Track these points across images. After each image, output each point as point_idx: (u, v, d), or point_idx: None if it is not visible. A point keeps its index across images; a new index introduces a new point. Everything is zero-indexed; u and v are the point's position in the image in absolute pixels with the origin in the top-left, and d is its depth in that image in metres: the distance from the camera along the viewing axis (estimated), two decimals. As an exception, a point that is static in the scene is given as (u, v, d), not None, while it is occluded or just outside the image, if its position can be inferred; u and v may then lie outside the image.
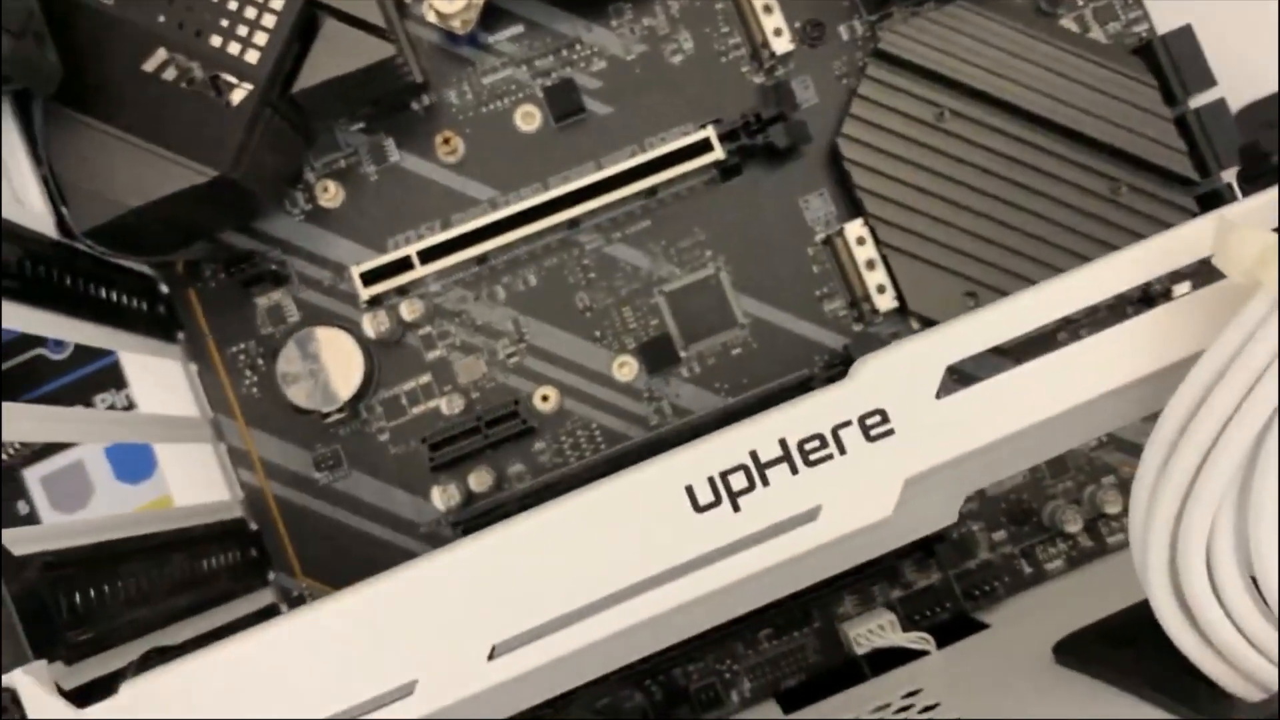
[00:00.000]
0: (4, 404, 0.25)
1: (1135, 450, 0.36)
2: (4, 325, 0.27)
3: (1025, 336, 0.21)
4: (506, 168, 0.36)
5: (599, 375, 0.36)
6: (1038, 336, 0.21)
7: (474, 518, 0.34)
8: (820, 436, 0.21)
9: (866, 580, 0.36)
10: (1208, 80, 0.36)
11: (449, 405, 0.36)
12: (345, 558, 0.35)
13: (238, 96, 0.31)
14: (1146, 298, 0.33)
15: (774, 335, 0.36)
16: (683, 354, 0.36)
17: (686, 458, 0.21)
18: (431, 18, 0.35)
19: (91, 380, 0.39)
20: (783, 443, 0.21)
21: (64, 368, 0.39)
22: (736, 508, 0.21)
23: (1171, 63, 0.36)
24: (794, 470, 0.21)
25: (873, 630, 0.34)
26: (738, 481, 0.21)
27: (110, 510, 0.38)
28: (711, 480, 0.21)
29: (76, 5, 0.31)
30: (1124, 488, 0.36)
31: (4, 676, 0.21)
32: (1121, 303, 0.24)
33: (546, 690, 0.22)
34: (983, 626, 0.34)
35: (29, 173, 0.31)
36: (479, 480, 0.35)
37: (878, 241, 0.35)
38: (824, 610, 0.36)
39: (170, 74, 0.31)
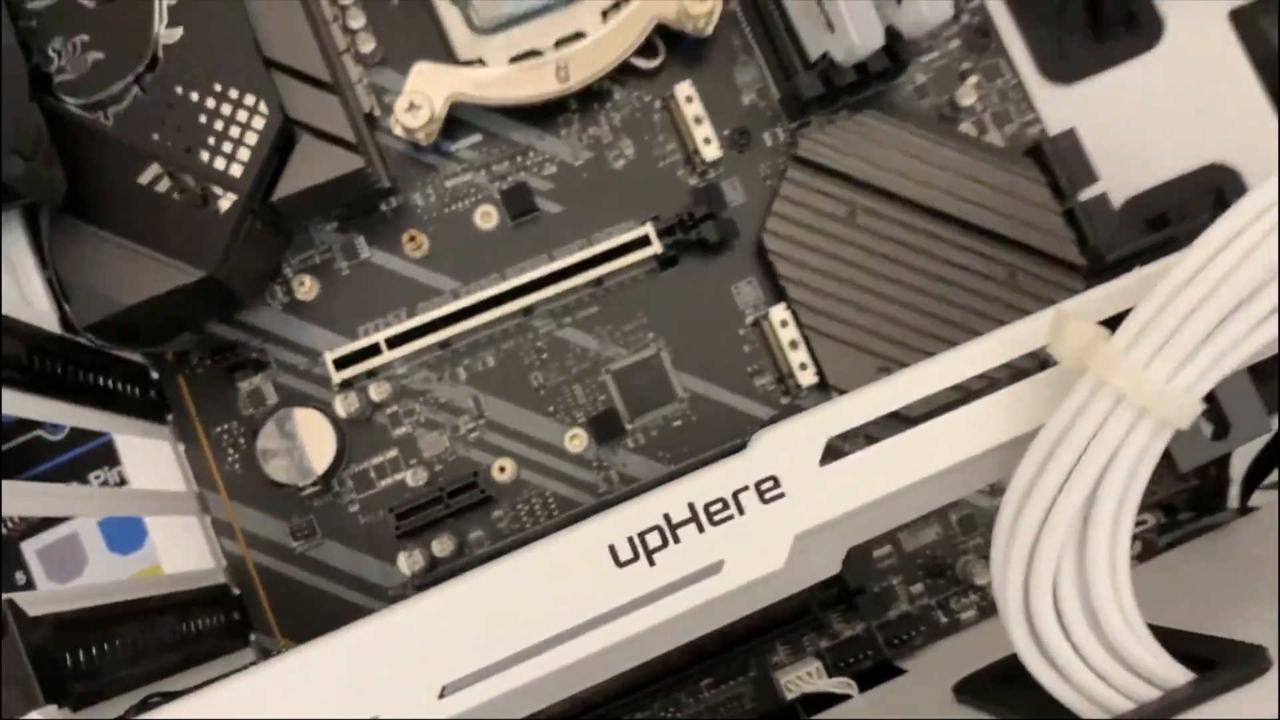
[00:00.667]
0: (4, 482, 0.28)
1: (1038, 509, 0.40)
2: (8, 413, 0.30)
3: (896, 411, 0.25)
4: (467, 261, 0.40)
5: (552, 447, 0.40)
6: (902, 413, 0.25)
7: (436, 581, 0.38)
8: (723, 500, 0.24)
9: (797, 631, 0.39)
10: (1091, 177, 0.40)
11: (414, 478, 0.39)
12: (320, 619, 0.38)
13: (224, 205, 0.35)
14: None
15: (710, 408, 0.40)
16: (628, 426, 0.40)
17: (609, 520, 0.25)
18: (399, 131, 0.39)
19: (86, 459, 0.42)
20: (691, 506, 0.25)
21: (60, 448, 0.42)
22: (652, 563, 0.24)
23: (1059, 160, 0.40)
24: (700, 529, 0.24)
25: (801, 677, 0.38)
26: (653, 540, 0.24)
27: (103, 579, 0.41)
28: (630, 540, 0.24)
29: (79, 125, 0.35)
30: (1028, 543, 0.39)
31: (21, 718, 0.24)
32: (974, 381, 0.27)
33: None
34: (900, 672, 0.38)
35: (35, 274, 0.35)
36: (441, 546, 0.38)
37: (799, 324, 0.39)
38: (759, 659, 0.39)
39: (163, 185, 0.35)
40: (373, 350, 0.39)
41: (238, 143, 0.35)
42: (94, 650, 0.29)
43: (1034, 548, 0.24)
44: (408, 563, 0.38)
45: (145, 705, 0.26)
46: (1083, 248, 0.40)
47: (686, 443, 0.40)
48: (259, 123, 0.35)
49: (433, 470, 0.39)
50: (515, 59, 0.41)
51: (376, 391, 0.39)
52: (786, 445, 0.25)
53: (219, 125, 0.35)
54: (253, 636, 0.39)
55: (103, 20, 0.36)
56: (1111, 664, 0.25)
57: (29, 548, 0.42)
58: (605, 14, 0.41)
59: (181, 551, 0.39)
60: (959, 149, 0.40)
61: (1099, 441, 0.23)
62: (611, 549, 0.24)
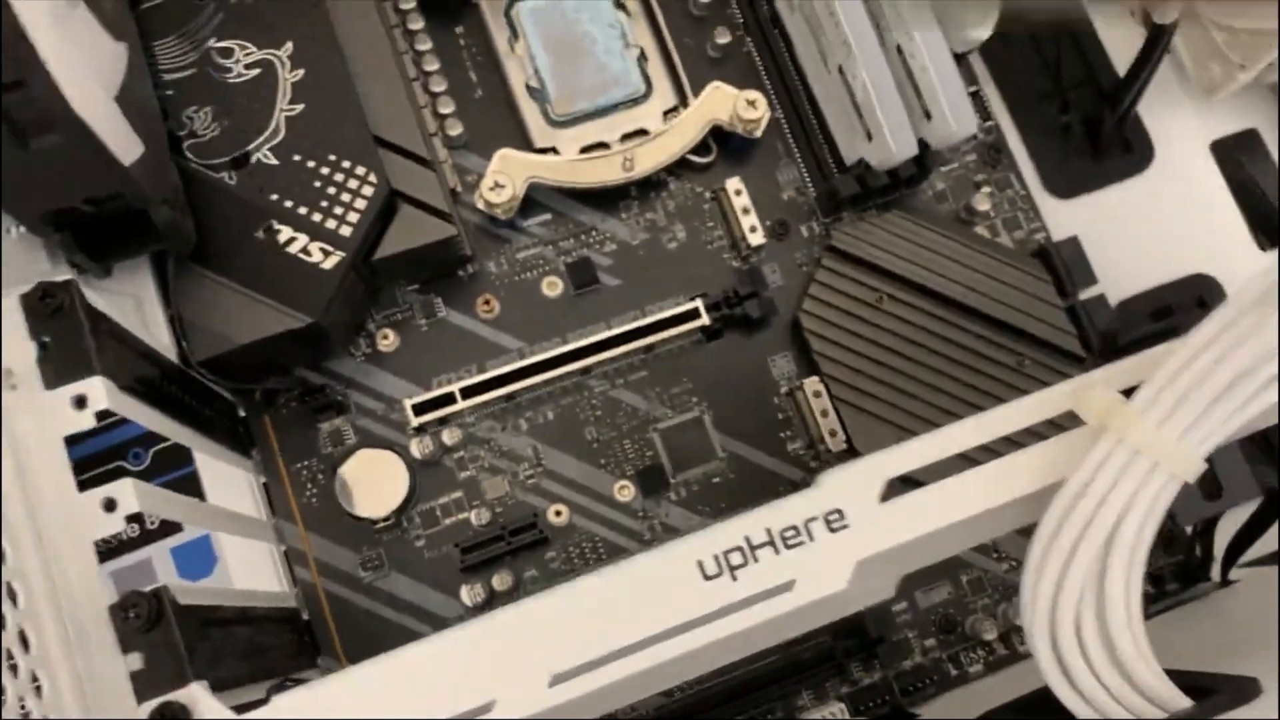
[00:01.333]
0: (131, 480, 0.31)
1: (1039, 574, 0.44)
2: (138, 420, 0.33)
3: (947, 458, 0.29)
4: (533, 325, 0.44)
5: (602, 496, 0.44)
6: (956, 459, 0.30)
7: (495, 612, 0.41)
8: (795, 527, 0.29)
9: (820, 678, 0.43)
10: (1090, 279, 0.45)
11: (477, 517, 0.43)
12: (383, 646, 0.41)
13: (331, 261, 0.39)
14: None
15: (746, 467, 0.44)
16: (672, 480, 0.44)
17: (698, 540, 0.28)
18: (481, 205, 0.44)
19: (166, 488, 0.45)
20: (768, 530, 0.29)
21: (141, 478, 0.45)
22: (734, 578, 0.28)
23: (1063, 264, 0.45)
24: (776, 551, 0.28)
25: (825, 718, 0.41)
26: (735, 559, 0.28)
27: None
28: (716, 557, 0.28)
29: (206, 183, 0.39)
30: (1030, 604, 0.43)
31: (175, 692, 0.27)
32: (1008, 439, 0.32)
33: (593, 712, 0.28)
34: (914, 718, 0.41)
35: (159, 312, 0.39)
36: (501, 581, 0.42)
37: (831, 395, 0.44)
38: (786, 704, 0.43)
39: (278, 240, 0.39)
40: (447, 399, 0.43)
41: (348, 207, 0.39)
42: (210, 645, 0.32)
43: (1060, 582, 0.28)
44: (470, 595, 0.42)
45: (281, 688, 0.29)
46: (1083, 340, 0.45)
47: (724, 498, 0.44)
48: (367, 191, 0.40)
49: (494, 511, 0.43)
50: (585, 149, 0.46)
51: (449, 436, 0.43)
52: (851, 483, 0.29)
53: (331, 191, 0.40)
54: (319, 660, 0.42)
55: (232, 92, 0.40)
56: (1126, 689, 0.29)
57: (104, 571, 0.45)
58: (666, 114, 0.46)
59: (255, 576, 0.43)
60: (975, 248, 0.45)
61: (1118, 490, 0.28)
62: (700, 564, 0.28)
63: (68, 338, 0.29)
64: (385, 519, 0.42)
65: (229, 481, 0.43)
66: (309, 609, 0.42)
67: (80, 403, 0.29)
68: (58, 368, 0.29)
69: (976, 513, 0.29)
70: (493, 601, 0.42)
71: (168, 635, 0.28)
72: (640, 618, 0.28)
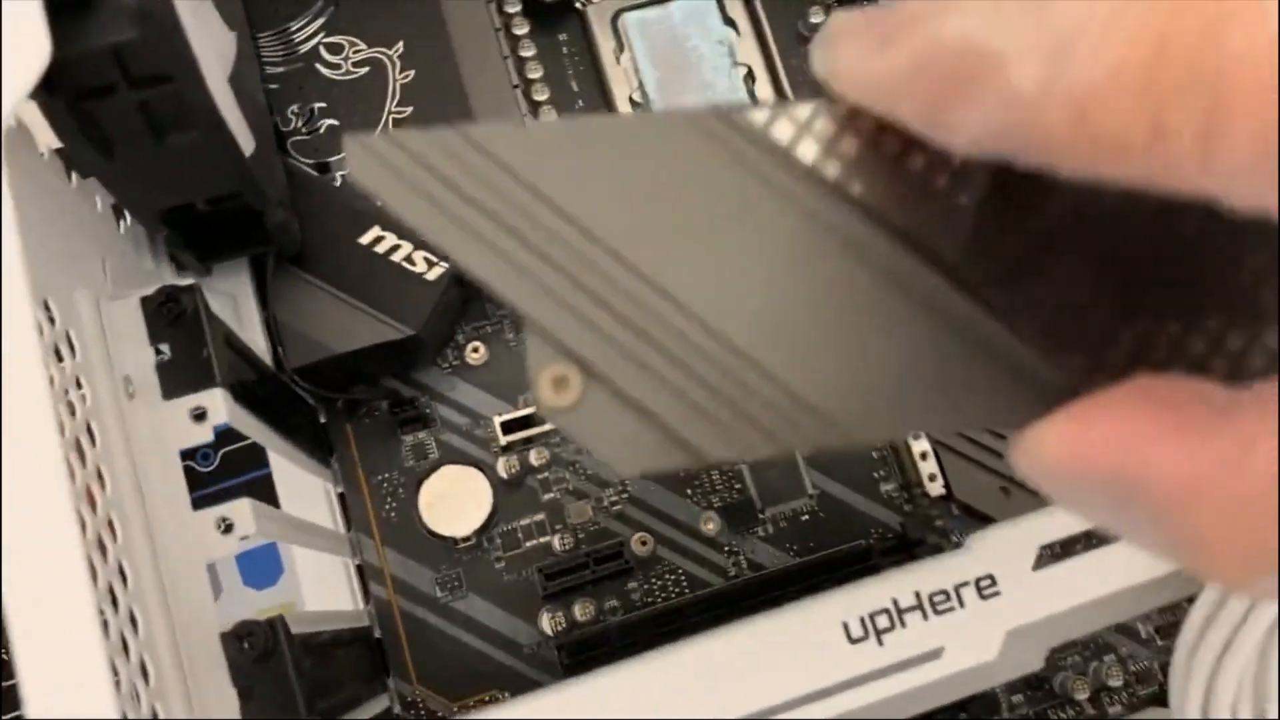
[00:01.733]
0: (249, 501, 0.30)
1: (1132, 634, 0.43)
2: (249, 435, 0.32)
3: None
4: (626, 346, 0.43)
5: (687, 527, 0.42)
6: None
7: (576, 642, 0.40)
8: (946, 591, 0.27)
9: (903, 728, 0.41)
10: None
11: (560, 542, 0.41)
12: (455, 669, 0.40)
13: (435, 273, 0.38)
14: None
15: (837, 506, 0.43)
16: (760, 515, 0.42)
17: (843, 598, 0.27)
18: (582, 219, 0.42)
19: (235, 492, 0.44)
20: (917, 594, 0.27)
21: (211, 479, 0.44)
22: (880, 643, 0.27)
23: None
24: (925, 617, 0.27)
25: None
26: (882, 622, 0.27)
27: (237, 613, 0.43)
28: (862, 619, 0.27)
29: (310, 183, 0.38)
30: (1123, 664, 0.42)
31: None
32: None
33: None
34: (1002, 776, 0.40)
35: (255, 315, 0.37)
36: (583, 610, 0.41)
37: (931, 438, 0.42)
38: (865, 752, 0.41)
39: (381, 248, 0.38)
40: (535, 418, 0.41)
41: (454, 216, 0.38)
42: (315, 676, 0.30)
43: (1216, 667, 0.27)
44: (550, 623, 0.40)
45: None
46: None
47: (813, 537, 0.43)
48: (475, 200, 0.38)
49: (577, 537, 0.41)
50: (687, 166, 0.44)
51: (535, 457, 0.41)
52: (1004, 547, 0.28)
53: (438, 198, 0.38)
54: (390, 681, 0.40)
55: (339, 90, 0.39)
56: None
57: (168, 572, 0.43)
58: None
59: (325, 589, 0.41)
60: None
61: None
62: (845, 626, 0.27)
63: (189, 346, 0.28)
64: (466, 538, 0.41)
65: (303, 489, 0.42)
66: (381, 627, 0.41)
67: (199, 416, 0.27)
68: (177, 377, 0.28)
69: (1133, 584, 0.28)
70: (573, 629, 0.40)
71: (280, 669, 0.27)
72: (779, 680, 0.26)
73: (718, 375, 0.17)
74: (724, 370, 0.17)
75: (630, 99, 0.45)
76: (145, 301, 0.28)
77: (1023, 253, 0.17)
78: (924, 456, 0.42)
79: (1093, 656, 0.43)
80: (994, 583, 0.27)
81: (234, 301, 0.37)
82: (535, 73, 0.44)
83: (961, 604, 0.27)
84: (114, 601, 0.23)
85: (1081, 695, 0.42)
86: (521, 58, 0.44)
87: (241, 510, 0.27)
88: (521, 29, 0.44)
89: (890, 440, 0.17)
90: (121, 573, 0.24)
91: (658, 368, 0.17)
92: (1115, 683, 0.42)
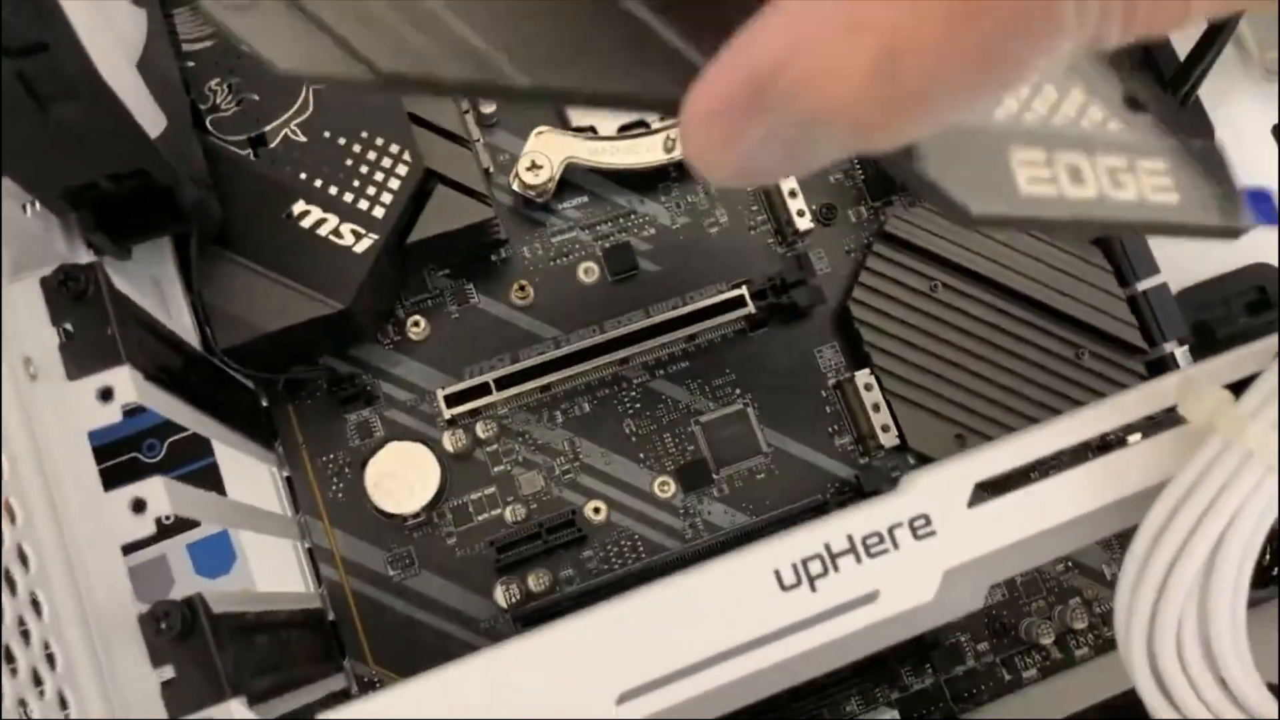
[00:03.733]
0: (161, 479, 0.29)
1: (1096, 575, 0.42)
2: (154, 408, 0.31)
3: (1035, 462, 0.27)
4: (569, 313, 0.42)
5: (641, 492, 0.41)
6: (1043, 462, 0.28)
7: (532, 613, 0.39)
8: (879, 534, 0.27)
9: (870, 683, 0.41)
10: (1152, 268, 0.43)
11: (512, 514, 0.41)
12: (412, 648, 0.40)
13: (363, 245, 0.37)
14: (1104, 444, 0.39)
15: (792, 463, 0.42)
16: (715, 476, 0.42)
17: (774, 547, 0.26)
18: (517, 186, 0.42)
19: (183, 481, 0.43)
20: (850, 538, 0.27)
21: (155, 470, 0.43)
22: (814, 589, 0.26)
23: (1123, 252, 0.43)
24: (858, 560, 0.26)
25: (877, 725, 0.39)
26: (814, 567, 0.26)
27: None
28: (795, 566, 0.26)
29: (231, 161, 0.37)
30: (1088, 606, 0.42)
31: (211, 708, 0.25)
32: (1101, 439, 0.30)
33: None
34: (969, 725, 0.40)
35: (181, 298, 0.37)
36: (537, 580, 0.40)
37: (882, 389, 0.42)
38: (834, 709, 0.41)
39: (307, 222, 0.37)
40: (480, 390, 0.40)
41: (381, 187, 0.37)
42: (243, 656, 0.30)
43: (1160, 593, 0.26)
44: (505, 595, 0.40)
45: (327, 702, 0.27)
46: (1144, 331, 0.43)
47: (770, 495, 0.42)
48: (402, 170, 0.37)
49: (529, 508, 0.41)
50: (624, 128, 0.43)
51: (482, 429, 0.41)
52: (938, 486, 0.27)
53: (364, 170, 0.37)
54: (346, 663, 0.40)
55: (257, 65, 0.38)
56: (1227, 704, 0.27)
57: (118, 567, 0.43)
58: (710, 91, 0.44)
59: (277, 575, 0.41)
60: (1033, 234, 0.43)
61: (1227, 496, 0.26)
62: (777, 574, 0.26)
63: (92, 324, 0.27)
64: (415, 515, 0.40)
65: (250, 475, 0.41)
66: (335, 610, 0.40)
67: (106, 395, 0.27)
68: (81, 357, 0.27)
69: (1071, 518, 0.27)
70: (528, 601, 0.40)
71: (202, 647, 0.26)
72: (713, 631, 0.26)
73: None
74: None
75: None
76: (44, 281, 0.27)
77: None
78: (876, 408, 0.42)
79: (1057, 601, 0.42)
80: (928, 522, 0.27)
81: (158, 285, 0.36)
82: (464, 39, 0.43)
83: (896, 545, 0.26)
84: (12, 586, 0.22)
85: (1047, 640, 0.41)
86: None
87: (154, 489, 0.26)
88: None
89: (538, 89, 0.17)
90: (22, 556, 0.23)
91: None
92: (1080, 625, 0.41)
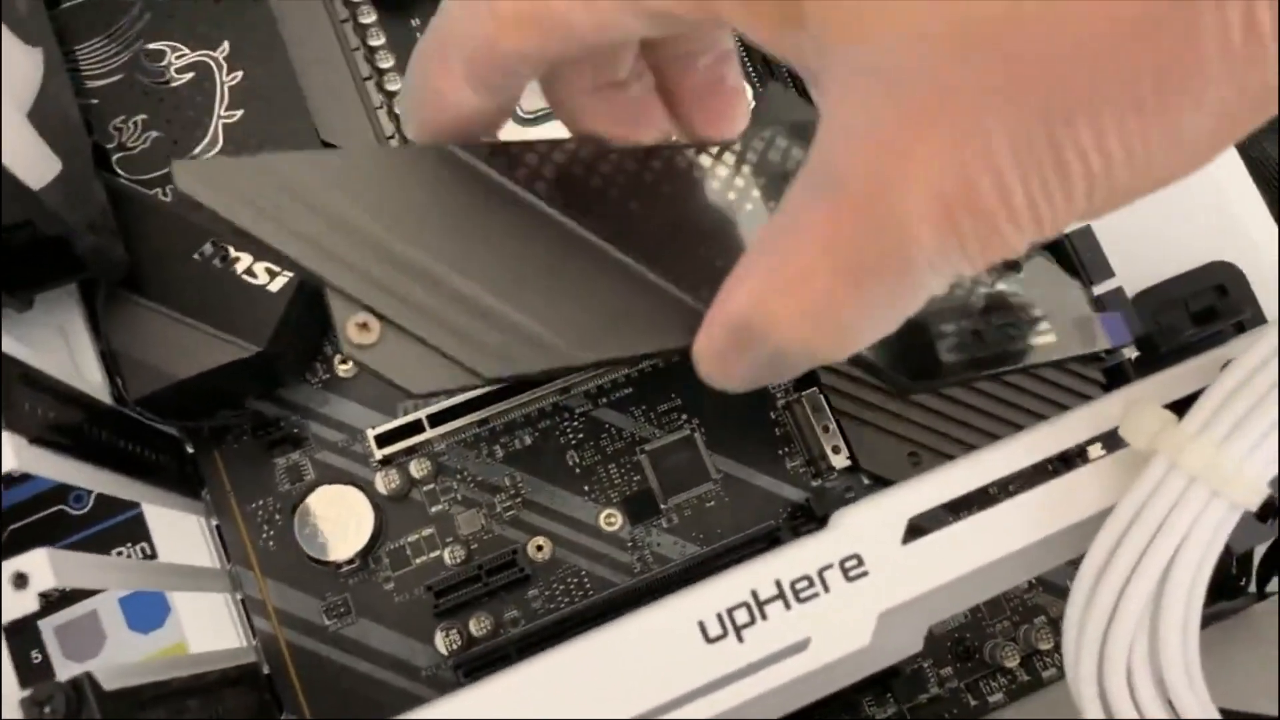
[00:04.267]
0: (48, 550, 0.28)
1: (1062, 593, 0.41)
2: (52, 477, 0.30)
3: (972, 492, 0.26)
4: (505, 342, 0.41)
5: (587, 526, 0.40)
6: (980, 492, 0.26)
7: (474, 659, 0.38)
8: (808, 577, 0.25)
9: (829, 717, 0.39)
10: (1107, 271, 0.42)
11: (451, 555, 0.39)
12: (351, 699, 0.38)
13: (278, 284, 0.35)
14: (1064, 458, 0.38)
15: (743, 489, 0.41)
16: (663, 506, 0.40)
17: (698, 596, 0.25)
18: (444, 213, 0.40)
19: (111, 534, 0.41)
20: (778, 583, 0.25)
21: (84, 522, 0.42)
22: (741, 639, 0.25)
23: (1077, 257, 0.42)
24: (787, 606, 0.25)
25: (838, 760, 0.38)
26: (741, 616, 0.25)
27: (123, 660, 0.41)
28: (720, 616, 0.25)
29: (138, 201, 0.36)
30: (1054, 626, 0.40)
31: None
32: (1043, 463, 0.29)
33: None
34: (935, 755, 0.38)
35: (89, 348, 0.35)
36: (479, 625, 0.38)
37: (832, 409, 0.40)
38: (792, 743, 0.39)
39: (218, 262, 0.35)
40: (415, 428, 0.39)
41: (295, 221, 0.36)
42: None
43: (1109, 624, 0.25)
44: (445, 642, 0.38)
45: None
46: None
47: (720, 524, 0.40)
48: (317, 202, 0.36)
49: (469, 548, 0.39)
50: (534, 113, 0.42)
51: (417, 468, 0.39)
52: (869, 524, 0.25)
53: (276, 204, 0.36)
54: (283, 717, 0.38)
55: (164, 100, 0.36)
56: (1183, 741, 0.25)
57: (47, 625, 0.41)
58: (643, 106, 0.43)
59: (211, 630, 0.39)
60: (981, 242, 0.42)
61: (1172, 521, 0.24)
62: (701, 625, 0.25)
63: (-36, 388, 0.25)
64: (350, 561, 0.38)
65: (179, 526, 0.39)
66: (269, 662, 0.38)
67: (-18, 464, 0.25)
68: (-47, 424, 0.25)
69: (1013, 550, 0.25)
70: (470, 647, 0.38)
71: (91, 732, 0.24)
72: (635, 691, 0.24)
73: (476, 321, 0.24)
74: (482, 316, 0.24)
75: (489, 82, 0.42)
76: (-93, 344, 0.26)
77: (656, 226, 0.26)
78: (826, 429, 0.40)
79: (1022, 620, 0.41)
80: (860, 563, 0.25)
81: (64, 335, 0.35)
82: (387, 62, 0.42)
83: (827, 589, 0.25)
84: None
85: (1012, 663, 0.40)
86: (371, 47, 0.42)
87: (36, 561, 0.25)
88: (369, 17, 0.42)
89: (599, 361, 0.25)
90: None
91: (435, 311, 0.23)
92: (1046, 645, 0.40)
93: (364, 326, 0.23)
